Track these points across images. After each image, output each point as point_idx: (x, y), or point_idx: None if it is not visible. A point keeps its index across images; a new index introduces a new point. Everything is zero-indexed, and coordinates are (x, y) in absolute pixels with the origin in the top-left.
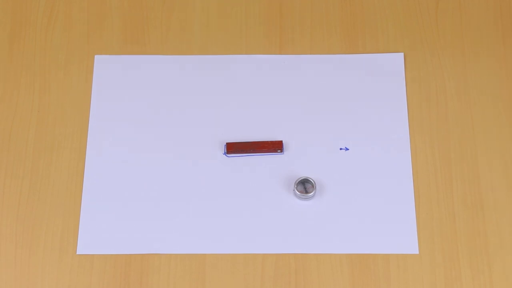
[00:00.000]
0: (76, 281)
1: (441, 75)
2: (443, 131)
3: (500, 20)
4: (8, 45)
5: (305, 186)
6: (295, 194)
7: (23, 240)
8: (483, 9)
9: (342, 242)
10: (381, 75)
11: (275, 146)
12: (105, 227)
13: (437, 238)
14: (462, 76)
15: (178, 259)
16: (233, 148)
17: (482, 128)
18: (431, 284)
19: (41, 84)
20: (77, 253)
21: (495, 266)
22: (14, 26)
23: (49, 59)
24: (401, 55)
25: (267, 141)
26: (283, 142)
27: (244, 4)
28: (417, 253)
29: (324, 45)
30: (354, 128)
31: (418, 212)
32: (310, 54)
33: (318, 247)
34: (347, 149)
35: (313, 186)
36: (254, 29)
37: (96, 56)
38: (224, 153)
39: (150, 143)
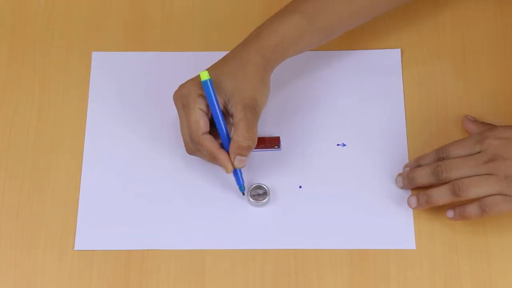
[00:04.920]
0: (76, 279)
1: (440, 70)
2: (441, 128)
3: (500, 16)
4: (8, 45)
5: (258, 192)
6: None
7: (23, 239)
8: (482, 5)
9: (340, 237)
10: (379, 71)
11: (273, 142)
12: (104, 223)
13: (436, 233)
14: (461, 72)
15: (178, 255)
16: None
17: None
18: (431, 281)
19: (41, 84)
20: (74, 249)
21: (495, 264)
22: (14, 26)
23: (49, 59)
24: (398, 51)
25: (265, 137)
26: (281, 138)
27: (243, 1)
28: (414, 248)
29: None
30: (351, 124)
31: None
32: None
33: (317, 243)
34: (344, 145)
35: (266, 193)
36: (253, 26)
37: (93, 53)
38: None
39: (149, 138)
